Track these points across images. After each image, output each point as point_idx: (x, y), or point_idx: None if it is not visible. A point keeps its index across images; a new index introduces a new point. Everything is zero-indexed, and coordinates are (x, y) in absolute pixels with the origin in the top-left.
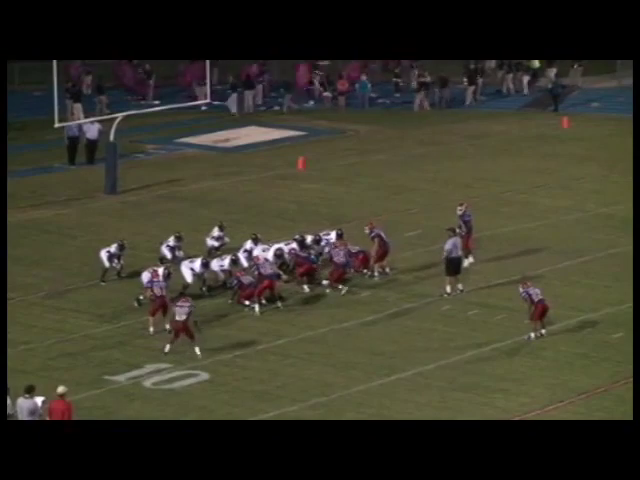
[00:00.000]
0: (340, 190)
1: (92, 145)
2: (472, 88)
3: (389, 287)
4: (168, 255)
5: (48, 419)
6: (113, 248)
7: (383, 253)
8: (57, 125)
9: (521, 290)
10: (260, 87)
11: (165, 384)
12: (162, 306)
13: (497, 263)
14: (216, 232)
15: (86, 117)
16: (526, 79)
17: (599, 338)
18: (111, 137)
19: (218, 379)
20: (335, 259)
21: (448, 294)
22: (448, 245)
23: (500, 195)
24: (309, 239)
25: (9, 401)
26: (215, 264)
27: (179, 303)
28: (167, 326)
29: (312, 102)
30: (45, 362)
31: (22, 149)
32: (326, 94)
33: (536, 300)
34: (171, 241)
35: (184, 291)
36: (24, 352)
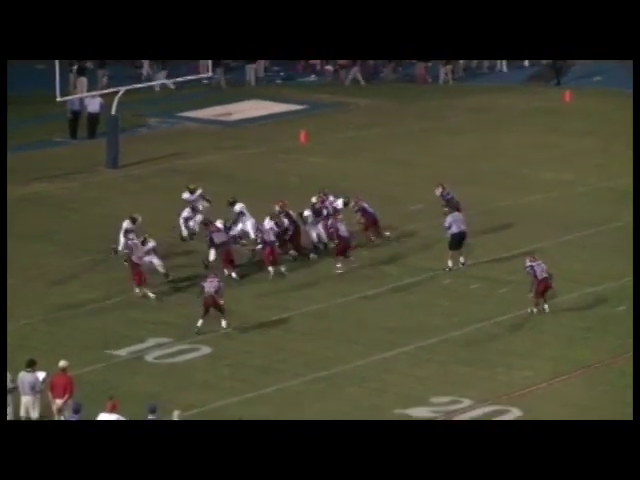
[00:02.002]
0: (342, 164)
1: (94, 119)
2: (449, 67)
3: (391, 261)
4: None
5: (49, 393)
6: (126, 223)
7: (370, 224)
8: (59, 99)
9: (527, 264)
10: (262, 61)
11: (167, 358)
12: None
13: (499, 237)
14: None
15: (89, 91)
16: (486, 62)
17: (601, 311)
18: (113, 111)
19: (220, 353)
20: (340, 232)
21: (450, 268)
22: (447, 222)
23: (502, 169)
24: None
25: (9, 376)
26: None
27: (209, 279)
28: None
29: (314, 76)
30: (46, 336)
31: (24, 123)
32: (328, 67)
33: (540, 278)
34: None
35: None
36: (25, 326)
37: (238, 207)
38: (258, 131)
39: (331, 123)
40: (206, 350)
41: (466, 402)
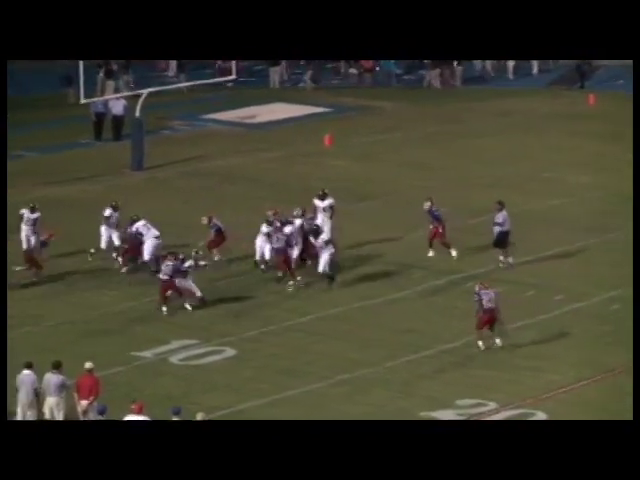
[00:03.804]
0: (365, 167)
1: (118, 121)
2: (437, 71)
3: (414, 264)
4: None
5: (76, 395)
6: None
7: (219, 242)
8: (83, 101)
9: (476, 290)
10: (285, 63)
11: (192, 360)
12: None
13: (522, 240)
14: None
15: (115, 93)
16: (511, 64)
17: (624, 315)
18: (137, 113)
19: (244, 355)
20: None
21: (503, 263)
22: (500, 218)
23: (525, 172)
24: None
25: (35, 376)
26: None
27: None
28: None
29: (338, 79)
30: (72, 338)
31: (48, 125)
32: (352, 71)
33: (485, 307)
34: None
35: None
36: (51, 328)
37: (327, 202)
38: (282, 134)
39: (355, 126)
40: (230, 352)
41: (491, 405)
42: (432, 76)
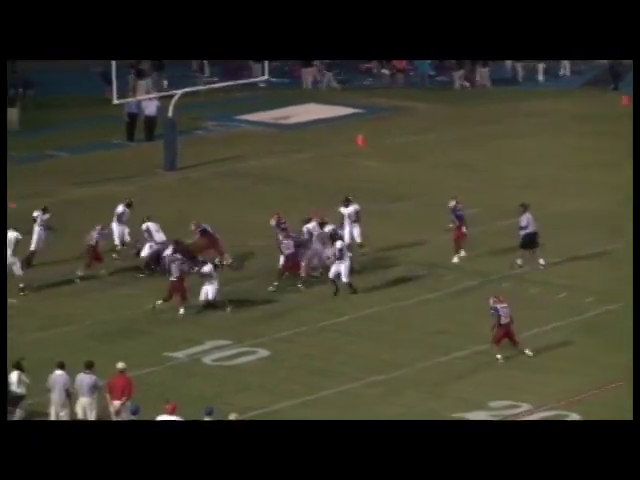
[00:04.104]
0: (399, 168)
1: (151, 122)
2: (461, 72)
3: (447, 265)
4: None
5: (107, 395)
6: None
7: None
8: (116, 102)
9: (491, 304)
10: (318, 64)
11: (225, 361)
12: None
13: (556, 241)
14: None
15: (146, 94)
16: (541, 67)
17: None
18: (170, 113)
19: (278, 356)
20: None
21: (520, 266)
22: (523, 221)
23: (558, 173)
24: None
25: (68, 377)
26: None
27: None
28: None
29: (371, 79)
30: (105, 338)
31: (81, 125)
32: (384, 71)
33: (502, 322)
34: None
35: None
36: (86, 328)
37: (351, 208)
38: (315, 135)
39: (388, 127)
40: (264, 353)
41: (524, 407)
42: (457, 77)
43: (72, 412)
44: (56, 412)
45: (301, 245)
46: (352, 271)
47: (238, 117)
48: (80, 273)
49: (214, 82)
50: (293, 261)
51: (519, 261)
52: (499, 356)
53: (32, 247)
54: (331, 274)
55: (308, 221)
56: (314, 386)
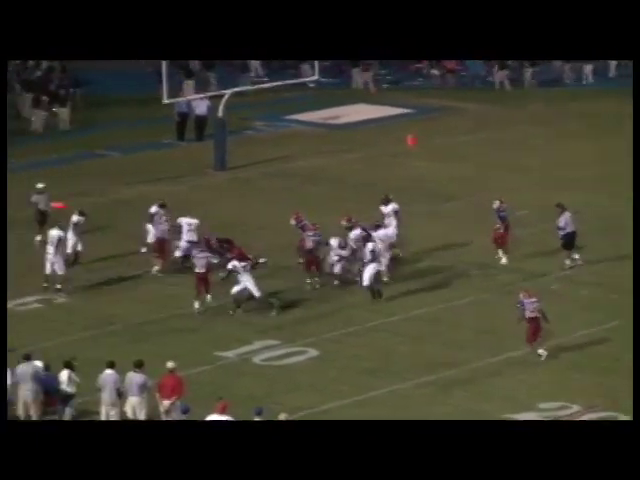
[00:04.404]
0: (448, 168)
1: (201, 121)
2: (503, 72)
3: (500, 266)
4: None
5: (157, 394)
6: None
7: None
8: (166, 101)
9: (520, 299)
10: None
11: (274, 360)
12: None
13: (608, 243)
14: None
15: (196, 94)
16: (589, 68)
17: None
18: (220, 113)
19: (327, 356)
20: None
21: (569, 267)
22: (562, 222)
23: (608, 174)
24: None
25: (117, 376)
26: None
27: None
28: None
29: (420, 80)
30: (155, 337)
31: (132, 125)
32: (434, 72)
33: (528, 317)
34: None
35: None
36: (137, 326)
37: (390, 207)
38: (365, 135)
39: (438, 127)
40: (313, 353)
41: (575, 408)
42: (498, 77)
43: (122, 411)
44: (106, 411)
45: (321, 243)
46: (379, 276)
47: (287, 117)
48: (157, 268)
49: (264, 82)
50: (313, 258)
51: (568, 261)
52: (541, 351)
53: (69, 250)
54: (365, 281)
55: (351, 228)
56: (363, 386)
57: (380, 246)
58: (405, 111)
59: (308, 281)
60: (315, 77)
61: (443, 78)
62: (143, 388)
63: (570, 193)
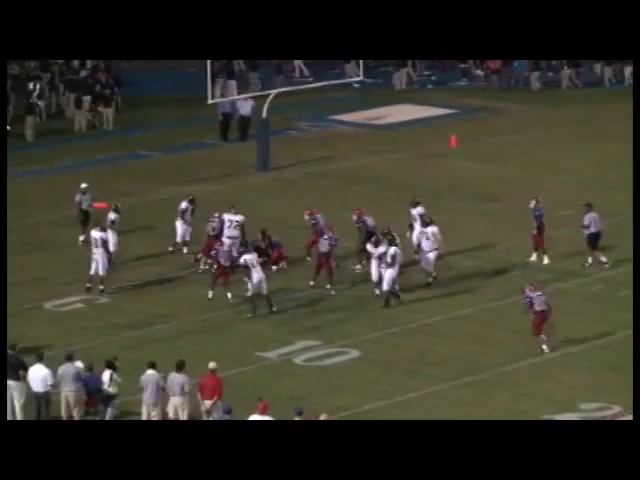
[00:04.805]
0: (491, 169)
1: (245, 121)
2: (536, 74)
3: (541, 266)
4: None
5: (199, 395)
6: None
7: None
8: (210, 101)
9: (527, 293)
10: (410, 65)
11: (315, 361)
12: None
13: None
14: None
15: (239, 94)
16: (629, 70)
17: None
18: (264, 114)
19: (369, 357)
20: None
21: (606, 263)
22: (587, 221)
23: None
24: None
25: (159, 376)
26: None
27: None
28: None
29: (465, 80)
30: (196, 337)
31: (175, 125)
32: (478, 72)
33: (537, 309)
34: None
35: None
36: (176, 327)
37: (416, 210)
38: (408, 135)
39: (481, 128)
40: (355, 354)
41: (616, 409)
42: (533, 77)
43: (163, 412)
44: (148, 412)
45: (337, 245)
46: (396, 281)
47: (331, 117)
48: (203, 267)
49: (308, 82)
50: (324, 262)
51: (603, 258)
52: (544, 347)
53: (112, 248)
54: (385, 286)
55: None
56: (404, 387)
57: (431, 240)
58: (448, 112)
59: (312, 283)
60: (360, 77)
61: (487, 79)
62: (184, 388)
63: (613, 193)
